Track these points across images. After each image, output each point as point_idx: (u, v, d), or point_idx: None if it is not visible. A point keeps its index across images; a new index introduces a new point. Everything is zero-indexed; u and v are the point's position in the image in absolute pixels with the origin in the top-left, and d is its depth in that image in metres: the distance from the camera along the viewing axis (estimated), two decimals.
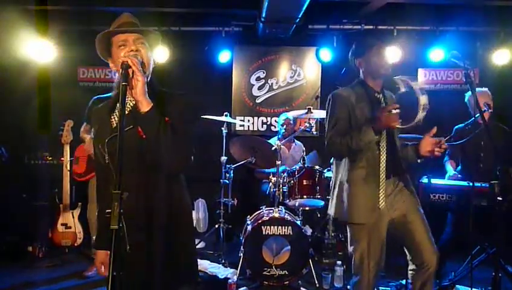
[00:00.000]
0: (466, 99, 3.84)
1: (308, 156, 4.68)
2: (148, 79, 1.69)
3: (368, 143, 2.34)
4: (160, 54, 4.98)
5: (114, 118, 1.71)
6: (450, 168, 3.85)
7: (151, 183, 1.65)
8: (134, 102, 1.69)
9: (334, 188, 2.59)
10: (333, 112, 2.49)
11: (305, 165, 3.97)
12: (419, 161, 2.45)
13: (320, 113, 4.20)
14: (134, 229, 1.49)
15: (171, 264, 1.70)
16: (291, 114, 4.81)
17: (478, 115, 2.80)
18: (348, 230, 2.56)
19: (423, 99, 2.17)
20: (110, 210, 1.34)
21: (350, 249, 2.53)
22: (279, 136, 4.85)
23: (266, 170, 4.45)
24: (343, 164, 2.52)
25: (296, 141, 4.95)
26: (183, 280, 1.77)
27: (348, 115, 2.45)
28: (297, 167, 4.00)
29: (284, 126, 4.78)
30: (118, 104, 1.71)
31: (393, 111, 2.19)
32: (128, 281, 1.47)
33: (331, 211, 2.64)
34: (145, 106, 1.53)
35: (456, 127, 3.85)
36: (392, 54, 5.22)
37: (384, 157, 2.40)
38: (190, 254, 1.83)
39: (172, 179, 1.72)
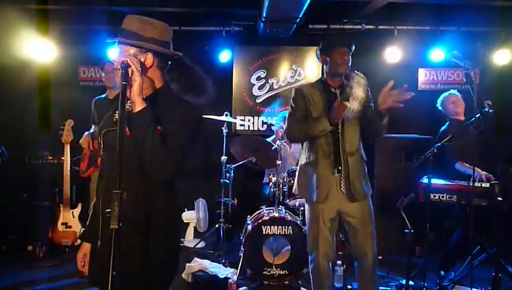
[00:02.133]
0: (439, 104, 3.92)
1: None
2: (156, 80, 1.70)
3: (322, 131, 2.64)
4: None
5: (115, 116, 1.72)
6: (465, 169, 3.66)
7: (141, 183, 1.63)
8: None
9: (298, 169, 2.96)
10: (293, 104, 2.85)
11: None
12: (383, 121, 2.60)
13: None
14: (128, 230, 1.50)
15: (158, 266, 1.68)
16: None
17: (478, 114, 2.80)
18: (305, 210, 2.93)
19: (358, 91, 2.43)
20: (106, 212, 1.35)
21: (306, 228, 2.95)
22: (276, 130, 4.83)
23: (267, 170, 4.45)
24: (303, 148, 2.90)
25: None
26: (169, 280, 1.76)
27: (304, 107, 2.78)
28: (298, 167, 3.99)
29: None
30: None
31: (345, 103, 2.47)
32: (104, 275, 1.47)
33: (294, 188, 3.02)
34: (138, 106, 1.53)
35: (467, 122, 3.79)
36: (392, 54, 5.23)
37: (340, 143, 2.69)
38: (176, 253, 1.81)
39: (157, 183, 1.66)
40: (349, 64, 2.72)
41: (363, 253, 2.71)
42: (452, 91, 3.94)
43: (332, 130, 2.65)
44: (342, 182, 2.68)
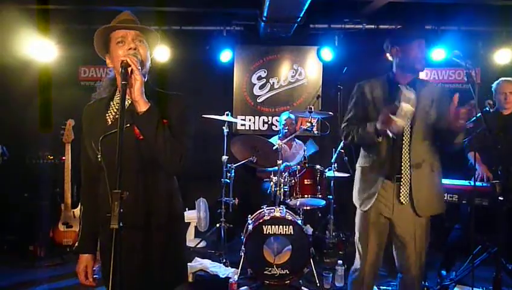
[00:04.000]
0: (494, 85, 3.83)
1: (307, 146, 4.66)
2: (145, 78, 1.68)
3: (368, 140, 2.36)
4: (162, 53, 4.98)
5: (109, 115, 1.67)
6: (472, 160, 3.65)
7: (146, 183, 1.63)
8: (130, 100, 1.69)
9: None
10: (351, 101, 2.59)
11: (306, 165, 3.97)
12: (457, 138, 2.33)
13: (321, 113, 4.20)
14: (130, 228, 1.48)
15: (165, 265, 1.69)
16: (292, 113, 4.82)
17: (479, 114, 2.79)
18: (356, 217, 2.63)
19: (405, 107, 2.18)
20: (107, 212, 1.34)
21: (356, 237, 2.64)
22: (280, 135, 4.86)
23: (268, 169, 4.45)
24: (361, 149, 2.61)
25: (296, 140, 4.95)
26: (173, 281, 1.75)
27: (362, 107, 2.50)
28: (299, 167, 3.99)
29: (287, 126, 4.78)
30: (111, 102, 1.70)
31: (392, 117, 2.18)
32: (123, 281, 1.47)
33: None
34: (142, 105, 1.52)
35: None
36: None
37: (403, 151, 2.37)
38: (181, 254, 1.81)
39: (166, 179, 1.71)
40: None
41: (406, 269, 2.46)
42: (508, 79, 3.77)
43: (392, 137, 2.32)
44: (400, 193, 2.38)
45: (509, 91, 3.69)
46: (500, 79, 3.81)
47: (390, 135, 2.26)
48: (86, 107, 1.78)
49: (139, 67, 1.49)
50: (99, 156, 1.60)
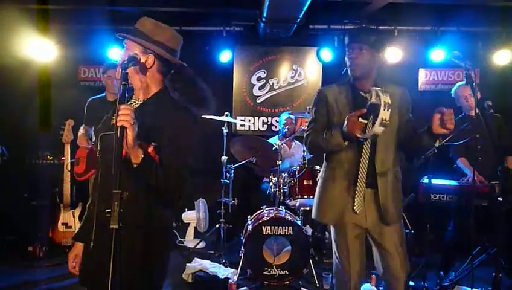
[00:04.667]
0: (452, 92, 3.87)
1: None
2: (159, 82, 1.74)
3: (336, 146, 2.27)
4: None
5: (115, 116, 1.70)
6: (464, 167, 3.71)
7: (133, 184, 1.60)
8: (139, 104, 1.71)
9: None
10: (313, 109, 2.49)
11: (306, 165, 3.97)
12: (436, 144, 2.23)
13: None
14: (127, 229, 1.48)
15: (145, 269, 1.67)
16: (292, 114, 4.83)
17: (478, 112, 2.80)
18: (331, 231, 2.51)
19: (384, 114, 2.03)
20: (107, 212, 1.35)
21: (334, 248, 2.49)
22: (280, 135, 4.86)
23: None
24: (323, 160, 2.52)
25: (295, 140, 4.95)
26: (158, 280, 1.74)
27: (326, 112, 2.41)
28: (298, 167, 3.99)
29: (287, 126, 4.78)
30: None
31: (360, 119, 2.11)
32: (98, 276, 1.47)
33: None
34: (135, 157, 1.50)
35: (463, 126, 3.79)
36: (393, 54, 5.22)
37: (365, 161, 2.28)
38: (159, 257, 1.75)
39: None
40: (366, 63, 2.29)
41: (392, 276, 2.35)
42: (462, 83, 3.78)
43: (353, 145, 2.26)
44: (373, 200, 2.31)
45: (468, 93, 3.70)
46: (457, 85, 3.92)
47: (362, 139, 2.18)
48: (93, 101, 1.86)
49: (134, 121, 1.45)
50: (98, 151, 1.64)
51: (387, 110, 2.03)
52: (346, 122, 2.16)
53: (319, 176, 2.54)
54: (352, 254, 2.36)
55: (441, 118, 2.07)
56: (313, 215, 2.49)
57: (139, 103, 1.72)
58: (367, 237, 2.44)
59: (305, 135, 2.51)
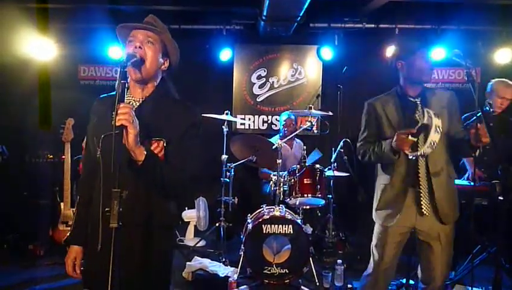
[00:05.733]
0: (488, 90, 3.76)
1: (312, 156, 4.69)
2: (157, 82, 1.74)
3: (387, 161, 2.40)
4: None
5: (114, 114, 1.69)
6: (467, 164, 3.74)
7: (133, 183, 1.61)
8: (138, 103, 1.70)
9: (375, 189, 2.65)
10: (364, 122, 2.61)
11: (306, 164, 3.97)
12: (476, 154, 2.33)
13: (321, 112, 4.20)
14: (128, 228, 1.48)
15: (146, 263, 1.66)
16: (292, 112, 4.82)
17: (480, 113, 2.79)
18: (375, 228, 2.61)
19: (434, 136, 2.15)
20: (106, 211, 1.35)
21: (372, 243, 2.60)
22: (281, 135, 4.86)
23: (272, 172, 4.46)
24: (378, 166, 2.60)
25: (296, 139, 4.95)
26: (156, 283, 1.73)
27: (375, 123, 2.52)
28: (298, 166, 3.99)
29: (286, 127, 4.78)
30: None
31: (409, 137, 2.20)
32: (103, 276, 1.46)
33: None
34: (139, 155, 1.51)
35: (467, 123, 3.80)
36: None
37: (423, 164, 2.38)
38: (165, 255, 1.77)
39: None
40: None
41: (432, 278, 2.43)
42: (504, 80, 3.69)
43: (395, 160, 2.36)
44: (422, 203, 2.37)
45: (507, 97, 3.61)
46: (499, 81, 3.72)
47: (410, 156, 2.28)
48: (96, 101, 1.83)
49: (133, 119, 1.46)
50: (99, 153, 1.61)
51: (438, 133, 2.14)
52: (395, 138, 2.26)
53: (378, 182, 2.59)
54: (388, 255, 2.47)
55: (475, 132, 2.17)
56: (375, 219, 2.57)
57: (139, 100, 1.72)
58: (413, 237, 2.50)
59: (357, 146, 2.63)
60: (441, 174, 2.38)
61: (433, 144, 2.15)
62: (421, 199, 2.37)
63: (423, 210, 2.36)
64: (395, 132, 2.32)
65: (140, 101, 1.71)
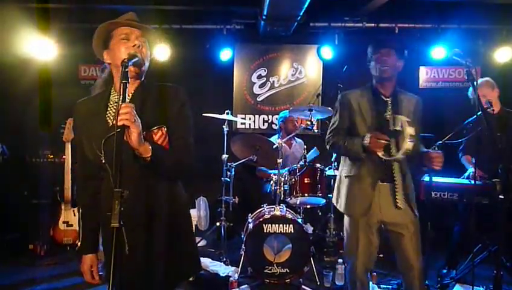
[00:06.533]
0: (469, 93, 3.81)
1: (310, 154, 4.68)
2: (143, 77, 1.73)
3: (354, 155, 2.47)
4: (162, 51, 4.98)
5: (109, 116, 1.66)
6: (467, 164, 3.80)
7: (147, 182, 1.64)
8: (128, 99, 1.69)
9: (337, 179, 2.73)
10: (336, 112, 2.66)
11: (306, 163, 3.97)
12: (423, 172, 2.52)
13: (322, 112, 4.19)
14: (132, 228, 1.49)
15: (171, 262, 1.69)
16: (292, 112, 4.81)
17: (480, 112, 2.79)
18: (344, 220, 2.67)
19: (408, 145, 2.29)
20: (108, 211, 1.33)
21: (344, 237, 2.67)
22: (279, 134, 4.86)
23: (269, 170, 4.46)
24: (344, 158, 2.67)
25: (296, 138, 4.94)
26: (181, 276, 1.78)
27: (348, 115, 2.56)
28: (299, 165, 3.99)
29: (287, 126, 4.77)
30: (109, 102, 1.69)
31: (382, 141, 2.29)
32: (126, 279, 1.46)
33: (333, 200, 2.75)
34: (144, 152, 1.51)
35: (466, 121, 3.82)
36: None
37: (398, 165, 2.47)
38: (188, 248, 1.81)
39: (159, 181, 1.70)
40: (393, 66, 2.45)
41: (409, 266, 2.49)
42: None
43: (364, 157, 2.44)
44: (396, 193, 2.46)
45: (482, 95, 3.63)
46: (483, 80, 3.76)
47: (383, 159, 2.37)
48: (78, 105, 1.75)
49: (135, 119, 1.44)
50: (102, 157, 1.57)
51: (411, 142, 2.28)
52: (368, 139, 2.33)
53: (341, 172, 2.67)
54: (363, 245, 2.52)
55: (430, 158, 2.34)
56: (342, 209, 2.62)
57: (128, 96, 1.67)
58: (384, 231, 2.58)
59: (327, 135, 2.67)
60: (407, 170, 2.49)
61: (408, 151, 2.30)
62: (397, 193, 2.46)
63: (398, 204, 2.45)
64: (366, 128, 2.44)
65: (130, 97, 1.68)
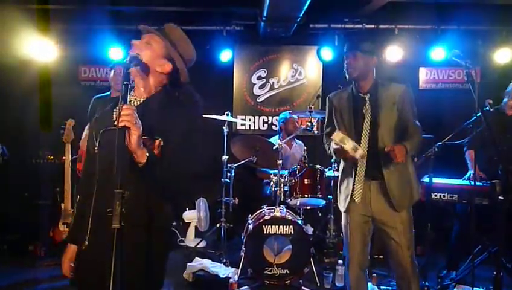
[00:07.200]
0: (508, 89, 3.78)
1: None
2: (161, 82, 1.73)
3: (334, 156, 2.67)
4: None
5: (115, 112, 1.68)
6: (469, 161, 3.81)
7: (133, 183, 1.58)
8: (140, 101, 1.70)
9: None
10: (325, 115, 2.81)
11: (307, 165, 3.97)
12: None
13: (321, 113, 4.20)
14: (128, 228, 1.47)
15: (144, 269, 1.66)
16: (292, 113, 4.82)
17: (479, 113, 2.79)
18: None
19: (356, 154, 2.39)
20: (108, 212, 1.34)
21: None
22: (280, 135, 4.86)
23: (269, 170, 4.45)
24: None
25: (296, 140, 4.94)
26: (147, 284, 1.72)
27: (333, 118, 2.71)
28: (299, 166, 3.99)
29: (287, 127, 4.77)
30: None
31: (345, 147, 2.40)
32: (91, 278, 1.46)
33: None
34: (140, 157, 1.50)
35: (467, 122, 3.81)
36: (393, 53, 5.21)
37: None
38: (156, 270, 1.75)
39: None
40: (361, 67, 2.53)
41: (398, 263, 2.54)
42: None
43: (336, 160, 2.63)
44: (378, 190, 2.52)
45: None
46: None
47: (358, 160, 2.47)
48: (95, 100, 1.87)
49: (136, 121, 1.45)
50: (96, 147, 1.59)
51: (356, 151, 2.38)
52: (334, 147, 2.49)
53: (340, 170, 2.79)
54: (353, 240, 2.60)
55: (391, 152, 2.37)
56: (340, 206, 2.73)
57: (141, 100, 1.71)
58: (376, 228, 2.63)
59: (323, 138, 2.89)
60: (391, 165, 2.48)
61: (362, 157, 2.41)
62: (386, 190, 2.49)
63: (354, 196, 2.53)
64: (344, 127, 2.59)
65: (141, 101, 1.70)
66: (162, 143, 1.61)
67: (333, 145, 2.50)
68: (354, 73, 2.55)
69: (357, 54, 2.54)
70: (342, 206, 2.67)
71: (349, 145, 2.39)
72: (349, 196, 2.55)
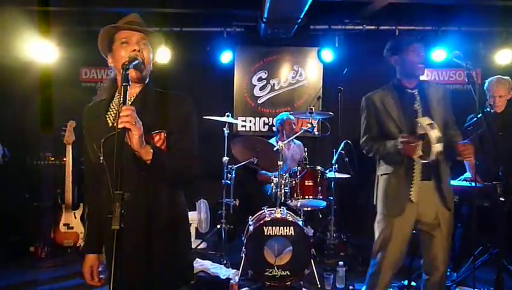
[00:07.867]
0: (485, 87, 3.74)
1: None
2: (147, 80, 1.72)
3: (392, 158, 2.49)
4: (162, 54, 4.99)
5: (109, 117, 1.68)
6: (467, 165, 3.78)
7: (147, 184, 1.63)
8: (131, 100, 1.69)
9: (376, 179, 2.73)
10: (363, 117, 2.69)
11: (307, 166, 3.96)
12: (453, 157, 2.48)
13: (322, 114, 4.20)
14: (131, 231, 1.47)
15: (169, 266, 1.69)
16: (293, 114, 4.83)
17: (480, 114, 2.79)
18: (377, 217, 2.67)
19: (436, 148, 2.26)
20: (108, 213, 1.33)
21: (375, 232, 2.66)
22: (277, 137, 4.86)
23: (268, 173, 4.46)
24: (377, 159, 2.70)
25: (294, 140, 4.93)
26: (178, 282, 1.75)
27: (376, 118, 2.60)
28: (299, 168, 3.99)
29: (284, 128, 4.77)
30: (111, 103, 1.71)
31: (413, 144, 2.31)
32: (125, 282, 1.46)
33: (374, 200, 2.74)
34: (145, 155, 1.51)
35: (467, 124, 3.80)
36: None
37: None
38: (186, 255, 1.81)
39: (159, 184, 1.70)
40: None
41: (435, 267, 2.51)
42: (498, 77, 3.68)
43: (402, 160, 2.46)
44: (431, 190, 2.48)
45: (498, 95, 3.60)
46: (493, 79, 3.69)
47: (420, 162, 2.41)
48: (85, 109, 1.78)
49: (136, 121, 1.44)
50: (101, 158, 1.58)
51: (439, 144, 2.25)
52: (400, 145, 2.35)
53: (378, 171, 2.69)
54: (396, 242, 2.51)
55: (462, 150, 2.33)
56: (379, 209, 2.62)
57: (130, 100, 1.68)
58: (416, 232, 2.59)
59: (361, 142, 2.71)
60: (442, 164, 2.47)
61: (439, 153, 2.28)
62: (436, 191, 2.47)
63: (411, 197, 2.46)
64: (395, 124, 2.47)
65: (132, 100, 1.68)
66: (165, 135, 1.63)
67: (400, 140, 2.35)
68: (423, 69, 2.54)
69: (418, 46, 2.52)
70: (389, 209, 2.54)
71: (434, 133, 2.26)
72: (406, 198, 2.46)
